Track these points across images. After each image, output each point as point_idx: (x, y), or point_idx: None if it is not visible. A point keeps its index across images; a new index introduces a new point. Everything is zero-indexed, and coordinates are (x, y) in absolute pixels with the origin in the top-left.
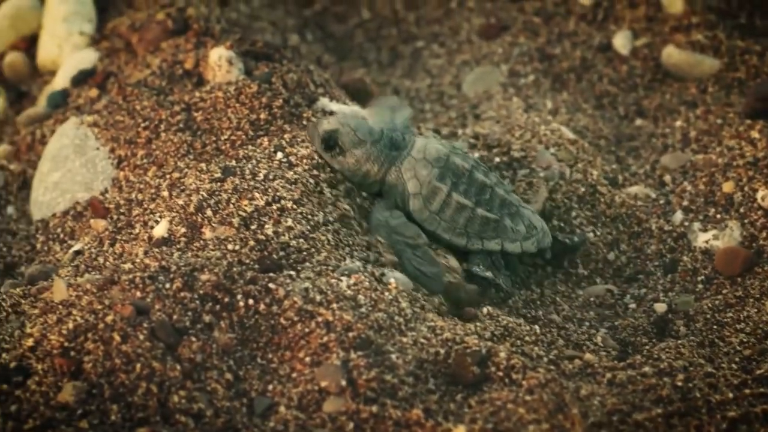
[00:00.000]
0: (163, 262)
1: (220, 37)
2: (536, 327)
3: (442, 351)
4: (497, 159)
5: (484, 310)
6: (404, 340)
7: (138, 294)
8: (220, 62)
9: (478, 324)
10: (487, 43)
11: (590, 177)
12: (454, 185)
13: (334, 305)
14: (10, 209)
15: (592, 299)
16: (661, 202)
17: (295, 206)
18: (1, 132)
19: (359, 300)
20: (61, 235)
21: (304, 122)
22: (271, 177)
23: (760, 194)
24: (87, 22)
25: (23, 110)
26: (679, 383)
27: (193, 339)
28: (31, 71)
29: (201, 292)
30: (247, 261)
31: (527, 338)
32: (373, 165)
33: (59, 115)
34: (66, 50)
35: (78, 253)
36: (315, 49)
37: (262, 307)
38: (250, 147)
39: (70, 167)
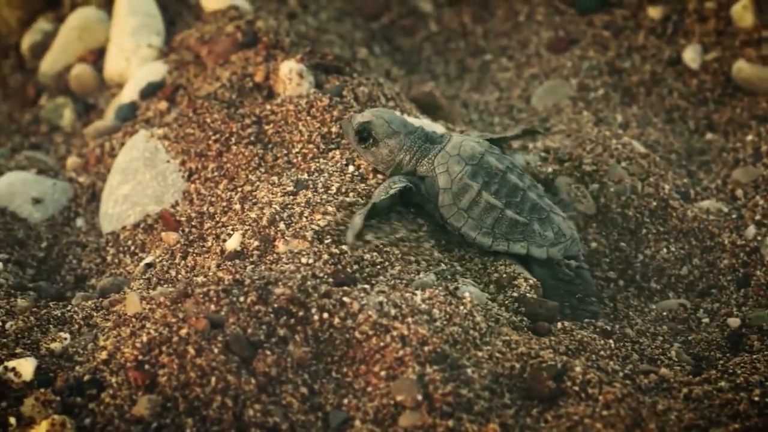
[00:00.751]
0: (237, 276)
1: (289, 50)
2: (611, 341)
3: (517, 365)
4: (569, 173)
5: (558, 324)
6: (479, 354)
7: (212, 307)
8: (290, 75)
9: (552, 338)
10: (556, 57)
11: (662, 191)
12: (485, 184)
13: (409, 319)
14: (79, 221)
15: (665, 313)
16: (734, 216)
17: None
18: (69, 144)
19: (434, 314)
20: (132, 248)
21: None
22: (343, 190)
23: None
24: (155, 35)
25: (90, 123)
26: (756, 398)
27: (268, 352)
28: (98, 84)
29: (275, 305)
30: (321, 274)
31: (602, 353)
32: (405, 155)
33: (128, 128)
34: (134, 63)
35: (149, 265)
36: (383, 62)
37: (336, 320)
38: (321, 160)
39: (140, 180)
